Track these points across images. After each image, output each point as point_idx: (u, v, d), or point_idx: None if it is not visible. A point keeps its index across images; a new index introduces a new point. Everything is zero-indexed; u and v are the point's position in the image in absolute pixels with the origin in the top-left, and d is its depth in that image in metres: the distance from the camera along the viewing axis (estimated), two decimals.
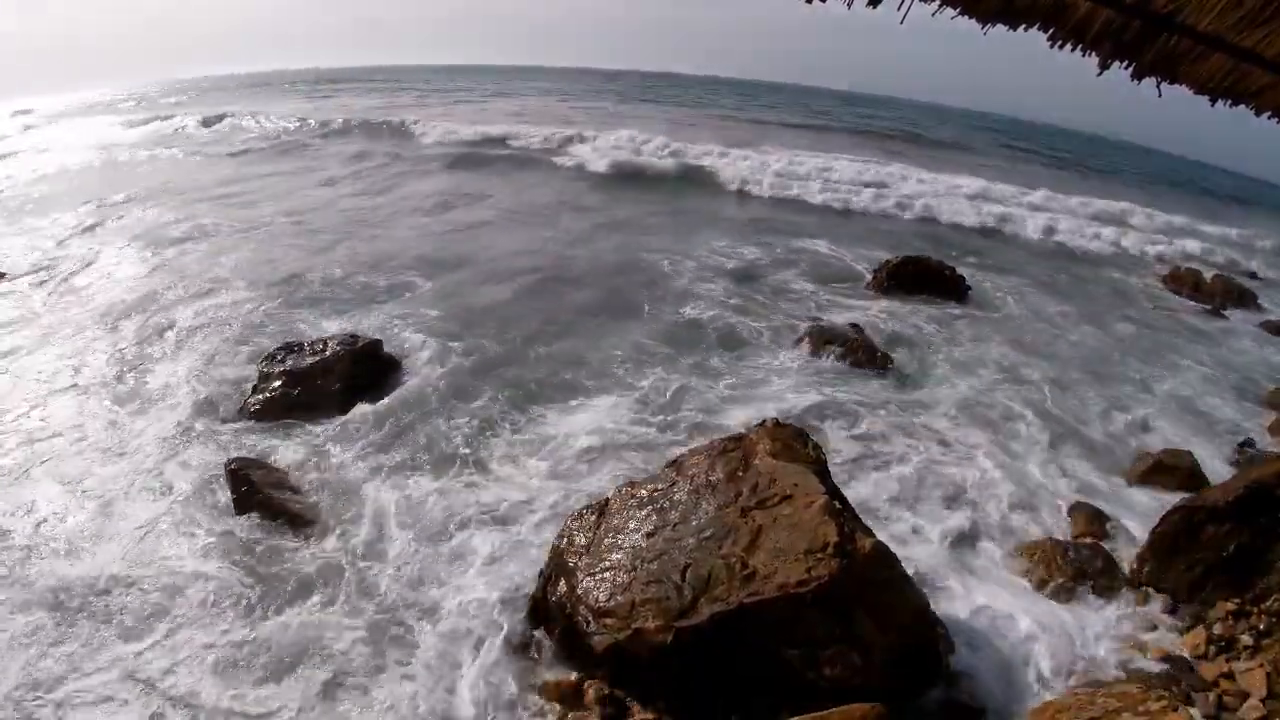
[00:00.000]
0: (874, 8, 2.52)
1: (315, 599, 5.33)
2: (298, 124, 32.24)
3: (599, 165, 23.41)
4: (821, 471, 5.17)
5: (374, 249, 13.60)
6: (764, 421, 5.66)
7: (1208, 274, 17.04)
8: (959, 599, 5.68)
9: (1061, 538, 6.46)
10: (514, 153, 26.06)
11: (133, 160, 24.55)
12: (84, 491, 6.38)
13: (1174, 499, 6.54)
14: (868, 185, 23.36)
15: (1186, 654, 5.13)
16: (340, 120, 32.38)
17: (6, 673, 4.57)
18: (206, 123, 32.92)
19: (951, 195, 23.19)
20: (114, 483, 6.50)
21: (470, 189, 19.79)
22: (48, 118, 38.17)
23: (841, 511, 4.66)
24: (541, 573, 5.19)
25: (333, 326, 9.79)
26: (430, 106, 40.65)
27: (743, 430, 5.90)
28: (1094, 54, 2.96)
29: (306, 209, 17.06)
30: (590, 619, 4.59)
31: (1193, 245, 20.86)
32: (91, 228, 14.95)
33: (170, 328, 9.70)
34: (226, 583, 5.39)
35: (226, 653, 4.81)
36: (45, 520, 6.02)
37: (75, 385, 8.19)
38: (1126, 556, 6.21)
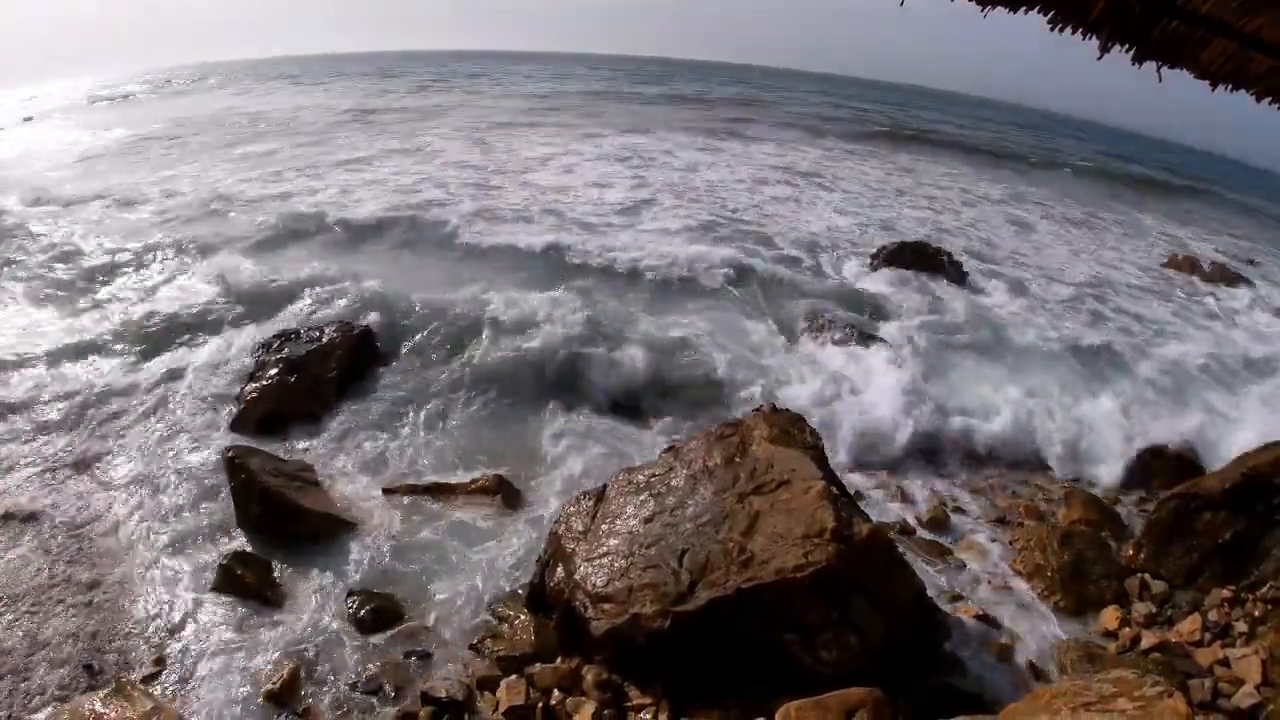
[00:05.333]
0: None
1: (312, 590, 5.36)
2: None
3: None
4: (819, 457, 5.19)
5: None
6: (761, 407, 5.67)
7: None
8: (956, 585, 5.71)
9: (1057, 524, 6.48)
10: None
11: None
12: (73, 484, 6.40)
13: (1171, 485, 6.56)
14: None
15: (1182, 640, 5.16)
16: None
17: None
18: None
19: None
20: (109, 478, 6.52)
21: None
22: None
23: (839, 497, 4.68)
24: (540, 558, 5.20)
25: None
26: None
27: (740, 416, 5.90)
28: (1095, 37, 2.95)
29: None
30: (588, 604, 4.59)
31: None
32: None
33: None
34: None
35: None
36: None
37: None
38: (1122, 542, 6.24)
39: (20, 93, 45.95)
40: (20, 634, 4.84)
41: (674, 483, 5.12)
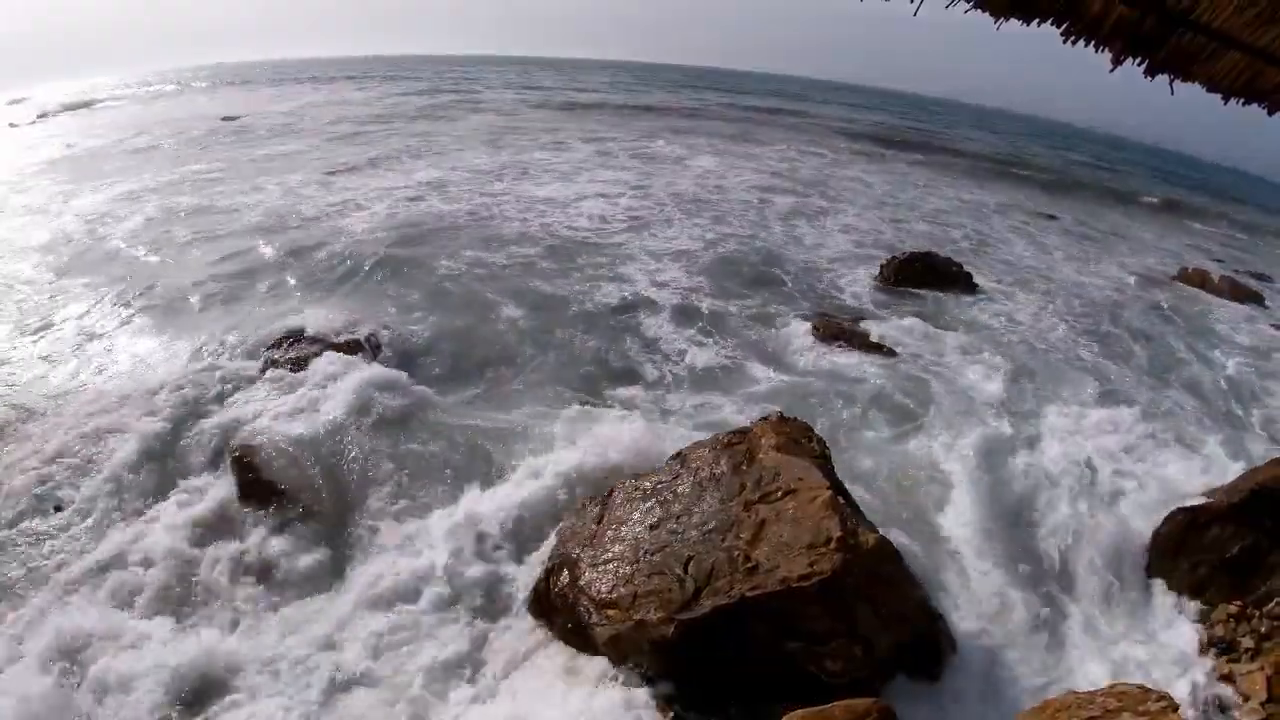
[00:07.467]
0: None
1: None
2: None
3: None
4: (826, 466, 5.17)
5: None
6: (768, 415, 5.66)
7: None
8: (960, 595, 5.67)
9: None
10: None
11: None
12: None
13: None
14: None
15: (1187, 655, 5.13)
16: None
17: None
18: None
19: None
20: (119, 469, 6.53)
21: None
22: None
23: (845, 506, 4.67)
24: (544, 563, 5.19)
25: None
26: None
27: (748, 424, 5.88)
28: (1107, 50, 2.95)
29: None
30: (592, 610, 4.59)
31: None
32: None
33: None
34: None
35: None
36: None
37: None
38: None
39: (15, 92, 45.92)
40: None
41: (680, 489, 5.12)
